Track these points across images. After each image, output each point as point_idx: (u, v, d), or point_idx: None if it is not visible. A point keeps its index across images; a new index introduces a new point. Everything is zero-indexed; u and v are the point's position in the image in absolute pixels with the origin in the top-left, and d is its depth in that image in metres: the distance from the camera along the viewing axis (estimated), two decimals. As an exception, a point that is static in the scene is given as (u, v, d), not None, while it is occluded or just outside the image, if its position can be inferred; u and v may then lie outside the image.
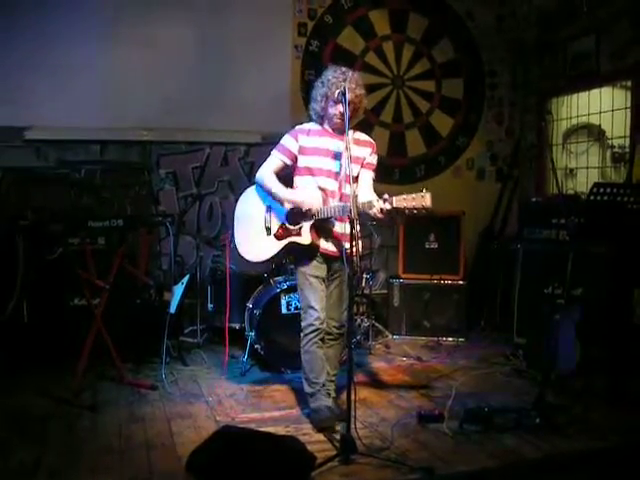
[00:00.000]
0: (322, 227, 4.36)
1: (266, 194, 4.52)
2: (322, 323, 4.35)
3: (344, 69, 4.34)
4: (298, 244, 4.36)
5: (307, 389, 4.46)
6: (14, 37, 6.06)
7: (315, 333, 4.34)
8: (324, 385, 4.42)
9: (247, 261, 4.62)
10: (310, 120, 4.54)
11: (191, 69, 6.65)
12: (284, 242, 4.42)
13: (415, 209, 3.90)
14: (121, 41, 6.38)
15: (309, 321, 4.36)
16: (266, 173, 4.47)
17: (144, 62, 6.45)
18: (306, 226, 4.33)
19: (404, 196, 3.93)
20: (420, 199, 3.87)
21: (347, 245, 3.94)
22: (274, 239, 4.46)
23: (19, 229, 5.38)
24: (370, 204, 4.03)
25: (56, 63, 6.18)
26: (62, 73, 6.20)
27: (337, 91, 4.16)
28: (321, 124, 4.46)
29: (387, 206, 3.97)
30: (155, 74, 6.48)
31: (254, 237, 4.55)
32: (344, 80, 4.21)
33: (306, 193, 4.31)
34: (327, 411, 4.32)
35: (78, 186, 6.28)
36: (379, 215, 4.02)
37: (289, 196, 4.37)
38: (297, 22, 7.08)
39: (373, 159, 4.49)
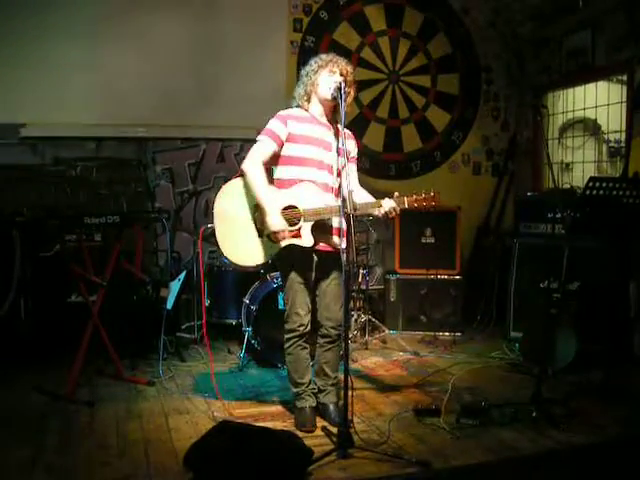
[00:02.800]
0: (322, 225, 4.16)
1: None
2: (306, 328, 4.29)
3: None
4: (298, 246, 4.10)
5: (292, 389, 4.42)
6: (9, 34, 6.06)
7: (298, 338, 4.30)
8: (309, 385, 4.39)
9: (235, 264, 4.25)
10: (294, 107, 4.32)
11: (187, 65, 6.65)
12: (281, 244, 4.10)
13: (425, 209, 4.09)
14: (116, 37, 6.37)
15: (292, 326, 4.29)
16: (255, 167, 4.10)
17: (140, 58, 6.46)
18: (306, 227, 4.07)
19: (415, 197, 4.06)
20: (430, 199, 4.06)
21: (340, 240, 3.87)
22: (268, 241, 4.12)
23: (16, 226, 5.38)
24: (379, 204, 4.05)
25: (51, 60, 6.19)
26: (58, 70, 6.20)
27: (335, 65, 4.15)
28: (306, 109, 4.25)
29: (397, 208, 4.04)
30: (151, 70, 6.49)
31: (243, 239, 4.16)
32: (336, 56, 4.21)
33: (299, 194, 4.11)
34: (310, 414, 4.30)
35: (74, 183, 6.28)
36: (388, 216, 4.07)
37: (267, 206, 4.03)
38: (292, 18, 7.08)
39: (356, 152, 4.44)
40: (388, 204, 4.04)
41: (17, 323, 5.48)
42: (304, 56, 7.02)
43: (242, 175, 4.19)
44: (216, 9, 6.75)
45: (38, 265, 5.53)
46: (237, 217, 4.19)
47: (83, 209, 5.99)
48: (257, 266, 4.39)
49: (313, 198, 4.10)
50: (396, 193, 4.05)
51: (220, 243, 4.21)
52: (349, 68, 4.21)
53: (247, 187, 4.17)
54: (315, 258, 4.25)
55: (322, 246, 4.22)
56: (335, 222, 4.15)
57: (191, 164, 6.83)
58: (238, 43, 6.80)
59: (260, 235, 4.16)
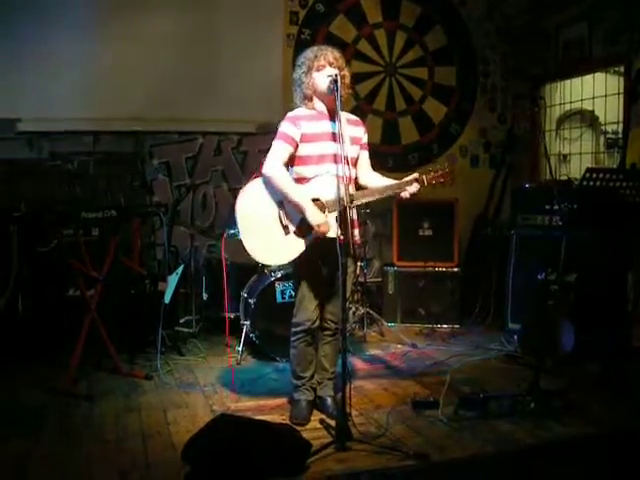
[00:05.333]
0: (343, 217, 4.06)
1: (275, 190, 4.13)
2: (313, 323, 4.26)
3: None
4: (327, 238, 4.02)
5: (292, 381, 4.43)
6: (5, 29, 6.04)
7: (304, 333, 4.27)
8: (310, 379, 4.38)
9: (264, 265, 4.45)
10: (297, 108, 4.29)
11: (183, 59, 6.63)
12: (309, 238, 4.10)
13: (442, 183, 4.21)
14: (113, 31, 6.36)
15: (299, 320, 4.27)
16: (278, 169, 4.07)
17: (136, 52, 6.44)
18: (331, 217, 4.04)
19: (432, 173, 4.17)
20: (447, 175, 4.19)
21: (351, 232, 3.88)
22: (295, 237, 4.10)
23: (13, 220, 5.37)
24: (402, 185, 4.13)
25: (48, 54, 6.17)
26: (55, 64, 6.19)
27: (320, 59, 4.11)
28: (312, 108, 4.23)
29: (416, 188, 4.13)
30: (147, 64, 6.47)
31: (270, 239, 4.11)
32: (319, 49, 4.18)
33: (320, 187, 4.10)
34: (306, 407, 4.31)
35: (71, 177, 6.27)
36: (410, 195, 4.15)
37: (303, 203, 4.01)
38: (289, 11, 7.06)
39: (366, 138, 4.40)
40: (413, 187, 4.13)
41: (15, 318, 5.47)
42: (300, 49, 6.97)
43: (263, 178, 4.14)
44: (212, 3, 6.74)
45: (36, 260, 5.51)
46: (261, 217, 4.14)
47: (80, 203, 5.98)
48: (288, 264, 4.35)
49: (333, 189, 4.04)
50: (415, 174, 4.16)
51: (246, 244, 4.13)
52: (335, 54, 4.16)
53: (268, 187, 4.14)
54: (333, 252, 4.08)
55: (340, 240, 4.04)
56: (354, 214, 4.19)
57: (188, 158, 6.83)
58: (234, 36, 6.78)
59: (287, 233, 4.13)
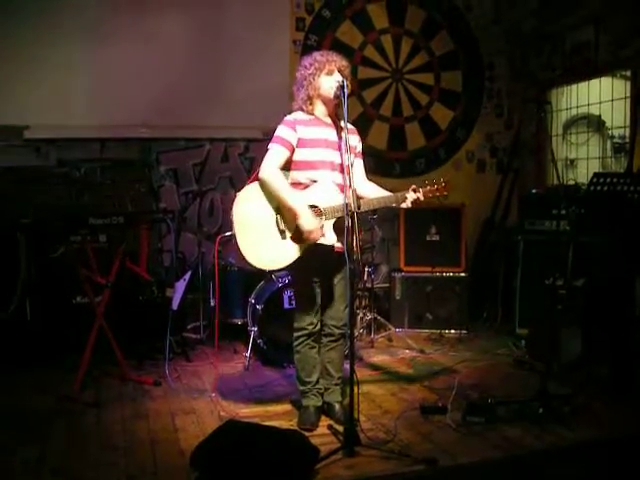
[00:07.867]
0: (340, 225, 4.09)
1: (272, 194, 4.10)
2: (315, 327, 4.28)
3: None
4: (321, 245, 4.09)
5: (299, 387, 4.43)
6: (11, 36, 6.07)
7: (307, 337, 4.29)
8: (316, 384, 4.38)
9: (259, 269, 4.26)
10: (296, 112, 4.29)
11: (190, 65, 6.65)
12: (305, 244, 4.09)
13: (437, 198, 4.32)
14: (120, 39, 6.37)
15: (302, 324, 4.28)
16: (274, 172, 4.05)
17: (143, 59, 6.46)
18: (328, 225, 4.08)
19: (429, 188, 4.26)
20: (443, 189, 4.28)
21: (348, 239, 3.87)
22: (291, 242, 4.08)
23: (21, 227, 5.39)
24: (403, 197, 4.18)
25: (55, 61, 6.20)
26: (61, 71, 6.22)
27: (331, 63, 4.14)
28: (311, 112, 4.23)
29: (416, 198, 4.21)
30: (154, 71, 6.49)
31: (265, 242, 4.07)
32: (329, 54, 4.21)
33: (319, 193, 4.11)
34: (314, 412, 4.31)
35: (78, 184, 6.28)
36: (409, 206, 4.22)
37: (298, 208, 3.99)
38: (295, 17, 7.08)
39: (360, 146, 4.43)
40: (412, 197, 4.19)
41: (23, 325, 5.49)
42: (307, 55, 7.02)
43: (259, 182, 4.11)
44: (218, 8, 6.75)
45: (43, 267, 5.54)
46: (258, 222, 4.10)
47: (88, 210, 5.99)
48: (281, 268, 4.33)
49: (332, 196, 4.11)
50: (413, 186, 4.21)
51: (243, 250, 4.07)
52: (344, 62, 4.21)
53: (265, 192, 4.11)
54: (331, 259, 4.20)
55: (338, 247, 4.16)
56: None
57: (195, 164, 6.84)
58: (241, 43, 6.80)
59: (283, 238, 4.11)
